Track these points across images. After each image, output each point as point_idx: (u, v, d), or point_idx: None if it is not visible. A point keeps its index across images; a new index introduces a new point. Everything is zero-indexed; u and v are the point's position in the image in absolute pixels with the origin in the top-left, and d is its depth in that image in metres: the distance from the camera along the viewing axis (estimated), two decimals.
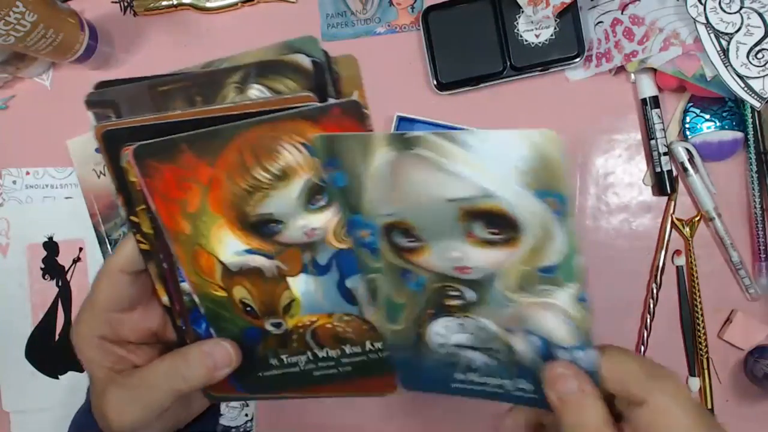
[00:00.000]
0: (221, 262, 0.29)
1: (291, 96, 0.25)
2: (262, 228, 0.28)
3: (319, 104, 0.25)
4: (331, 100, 0.25)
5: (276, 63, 0.25)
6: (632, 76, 0.57)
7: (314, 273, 0.29)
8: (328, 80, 0.26)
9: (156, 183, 0.27)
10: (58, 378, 0.61)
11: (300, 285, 0.29)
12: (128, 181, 0.28)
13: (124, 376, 0.31)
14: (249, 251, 0.29)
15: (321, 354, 0.31)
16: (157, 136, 0.26)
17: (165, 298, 0.31)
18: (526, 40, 0.56)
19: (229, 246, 0.28)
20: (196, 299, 0.30)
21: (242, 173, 0.26)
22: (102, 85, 0.27)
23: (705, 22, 0.48)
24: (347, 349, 0.31)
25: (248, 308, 0.30)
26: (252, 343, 0.31)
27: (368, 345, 0.31)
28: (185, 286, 0.30)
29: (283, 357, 0.32)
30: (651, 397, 0.26)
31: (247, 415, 0.60)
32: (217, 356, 0.30)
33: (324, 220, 0.27)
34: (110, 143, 0.27)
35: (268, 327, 0.31)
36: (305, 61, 0.25)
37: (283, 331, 0.31)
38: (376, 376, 0.32)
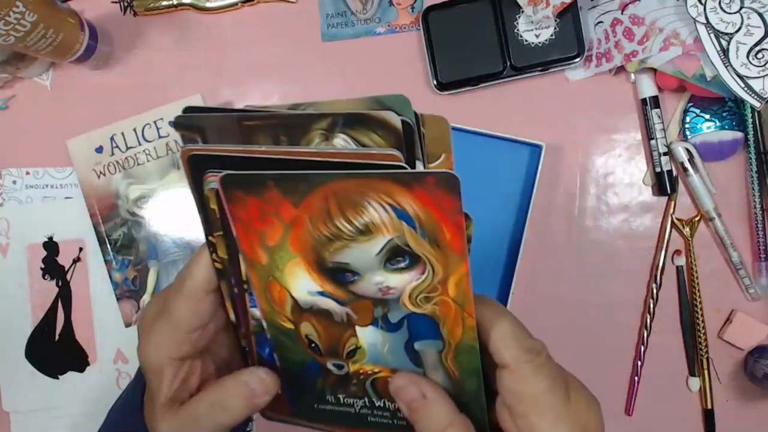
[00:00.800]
0: (293, 297, 0.29)
1: (377, 152, 0.24)
2: (337, 275, 0.28)
3: (413, 171, 0.24)
4: (420, 166, 0.25)
5: (365, 116, 0.25)
6: (632, 76, 0.57)
7: (384, 328, 0.29)
8: (416, 141, 0.25)
9: (239, 212, 0.27)
10: (58, 378, 0.61)
11: (367, 335, 0.30)
12: (209, 207, 0.28)
13: (175, 410, 0.31)
14: (321, 293, 0.29)
15: (378, 403, 0.32)
16: (240, 167, 0.26)
17: (232, 316, 0.32)
18: (526, 40, 0.56)
19: (303, 284, 0.29)
20: (264, 325, 0.31)
21: (325, 220, 0.26)
22: (191, 110, 0.28)
23: (705, 22, 0.48)
24: None
25: (312, 345, 0.31)
26: (313, 376, 0.32)
27: None
28: (255, 311, 0.31)
29: (341, 396, 0.32)
30: (513, 363, 0.27)
31: None
32: (253, 385, 0.31)
33: (402, 281, 0.27)
34: (195, 166, 0.27)
35: (330, 366, 0.31)
36: (395, 120, 0.24)
37: (344, 373, 0.31)
38: None
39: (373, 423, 0.32)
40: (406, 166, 0.24)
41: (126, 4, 0.61)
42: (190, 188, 0.28)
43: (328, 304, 0.29)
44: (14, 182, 0.61)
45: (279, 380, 0.31)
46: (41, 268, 0.61)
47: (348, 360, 0.31)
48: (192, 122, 0.27)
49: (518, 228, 0.57)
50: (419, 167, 0.26)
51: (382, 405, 0.32)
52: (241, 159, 0.26)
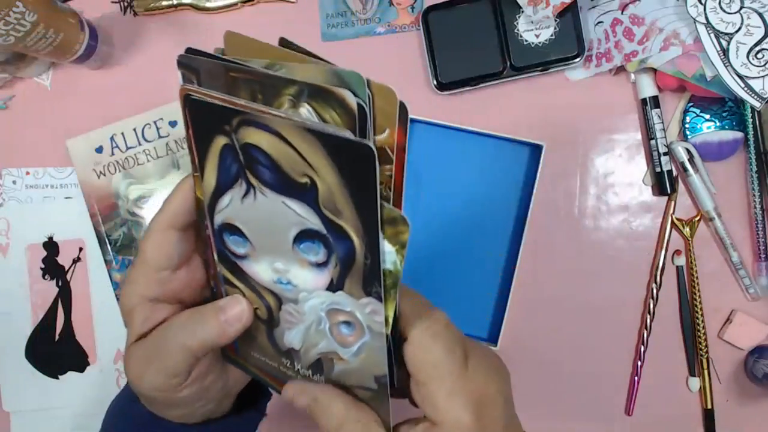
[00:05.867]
0: None
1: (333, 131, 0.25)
2: None
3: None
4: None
5: (326, 91, 0.25)
6: (632, 76, 0.57)
7: None
8: (369, 125, 0.25)
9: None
10: (58, 378, 0.61)
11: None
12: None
13: (144, 339, 0.30)
14: None
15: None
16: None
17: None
18: (526, 40, 0.56)
19: None
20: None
21: None
22: (192, 51, 0.30)
23: (705, 22, 0.48)
24: None
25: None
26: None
27: None
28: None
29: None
30: (411, 333, 0.28)
31: None
32: (229, 310, 0.30)
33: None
34: (190, 106, 0.29)
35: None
36: (352, 101, 0.24)
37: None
38: None
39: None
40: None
41: (126, 4, 0.61)
42: (185, 127, 0.29)
43: None
44: (14, 182, 0.61)
45: (252, 313, 0.31)
46: (41, 268, 0.61)
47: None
48: (191, 63, 0.30)
49: (518, 228, 0.57)
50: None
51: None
52: (222, 108, 0.27)
